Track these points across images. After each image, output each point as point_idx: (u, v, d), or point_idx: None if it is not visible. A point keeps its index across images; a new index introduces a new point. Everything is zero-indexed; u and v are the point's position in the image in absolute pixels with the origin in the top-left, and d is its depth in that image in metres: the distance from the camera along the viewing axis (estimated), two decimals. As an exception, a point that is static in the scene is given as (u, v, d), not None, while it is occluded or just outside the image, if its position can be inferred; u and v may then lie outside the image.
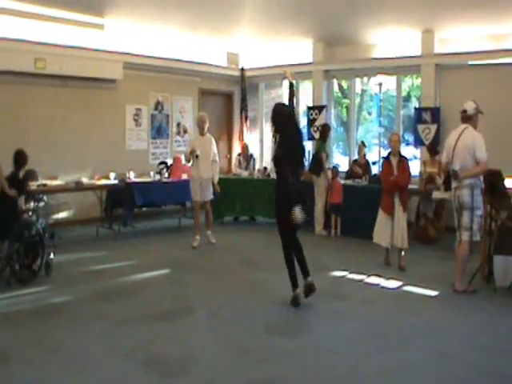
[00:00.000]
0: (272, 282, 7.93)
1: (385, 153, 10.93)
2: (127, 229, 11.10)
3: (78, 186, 10.58)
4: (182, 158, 11.15)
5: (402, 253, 8.66)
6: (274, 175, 7.21)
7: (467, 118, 7.38)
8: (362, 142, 12.41)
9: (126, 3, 11.66)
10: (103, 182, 11.15)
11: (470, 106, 7.38)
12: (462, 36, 11.65)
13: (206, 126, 10.21)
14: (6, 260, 7.52)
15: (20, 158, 8.08)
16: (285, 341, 5.73)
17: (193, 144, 10.23)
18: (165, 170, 11.91)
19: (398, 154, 8.70)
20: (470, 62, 11.46)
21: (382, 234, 8.67)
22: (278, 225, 7.06)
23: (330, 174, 11.22)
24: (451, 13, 11.17)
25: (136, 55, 12.44)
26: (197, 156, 9.92)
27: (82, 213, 11.43)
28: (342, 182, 11.39)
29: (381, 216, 8.70)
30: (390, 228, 8.58)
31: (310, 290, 6.80)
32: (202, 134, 10.22)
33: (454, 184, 7.38)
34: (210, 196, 10.23)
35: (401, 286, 7.70)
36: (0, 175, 7.65)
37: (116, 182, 11.14)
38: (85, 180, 11.08)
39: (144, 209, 11.90)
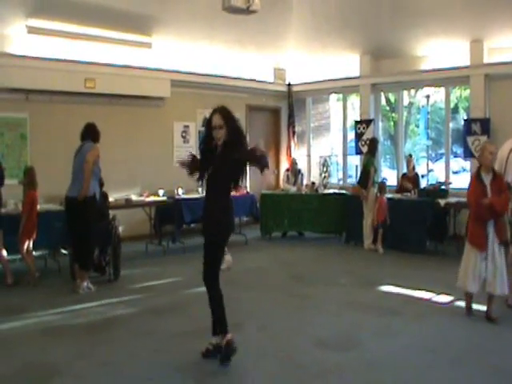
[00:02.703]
0: (321, 296, 7.91)
1: (434, 166, 10.78)
2: (176, 245, 11.18)
3: (128, 203, 10.72)
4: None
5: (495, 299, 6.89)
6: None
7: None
8: (410, 155, 12.30)
9: (173, 22, 11.82)
10: (152, 198, 11.26)
11: None
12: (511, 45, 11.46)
13: None
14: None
15: None
16: (335, 356, 5.69)
17: None
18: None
19: (492, 170, 6.87)
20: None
21: (470, 276, 6.74)
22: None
23: (374, 189, 11.11)
24: (500, 21, 11.03)
25: (183, 73, 12.58)
26: None
27: (131, 229, 11.55)
28: (391, 195, 11.29)
29: (469, 253, 6.84)
30: (483, 268, 6.67)
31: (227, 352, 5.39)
32: None
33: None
34: None
35: (452, 301, 7.57)
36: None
37: (165, 198, 11.24)
38: (134, 197, 11.20)
39: (192, 225, 11.97)
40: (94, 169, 8.09)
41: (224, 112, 5.34)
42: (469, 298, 6.95)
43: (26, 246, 8.49)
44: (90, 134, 8.36)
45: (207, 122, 5.44)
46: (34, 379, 5.16)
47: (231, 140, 5.32)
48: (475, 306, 7.18)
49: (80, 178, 8.00)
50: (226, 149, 5.33)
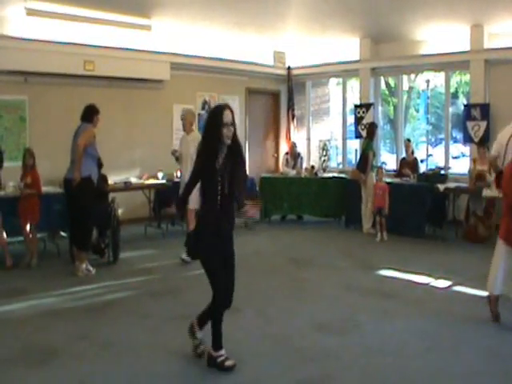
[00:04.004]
0: (320, 280, 7.95)
1: (433, 151, 10.77)
2: (175, 228, 11.20)
3: (127, 186, 10.72)
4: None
5: None
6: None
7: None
8: (408, 140, 12.29)
9: (173, 4, 11.75)
10: (151, 181, 11.27)
11: None
12: (512, 30, 11.43)
13: (189, 122, 9.10)
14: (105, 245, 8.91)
15: None
16: (334, 340, 5.72)
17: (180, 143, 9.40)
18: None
19: None
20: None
21: (500, 277, 6.14)
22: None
23: (373, 174, 11.08)
24: (501, 7, 10.96)
25: (183, 55, 12.53)
26: (176, 158, 9.22)
27: (130, 212, 11.56)
28: (390, 180, 11.28)
29: (502, 252, 6.14)
30: None
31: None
32: (185, 131, 9.21)
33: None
34: (194, 204, 7.92)
35: (450, 286, 7.60)
36: None
37: (164, 181, 11.25)
38: (133, 180, 11.20)
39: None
40: (89, 150, 8.11)
41: (232, 109, 4.93)
42: (494, 301, 6.21)
43: (28, 227, 8.58)
44: (86, 115, 8.37)
45: (215, 119, 4.87)
46: (34, 361, 5.19)
47: (236, 142, 4.93)
48: (474, 291, 7.23)
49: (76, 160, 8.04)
50: (233, 151, 4.94)
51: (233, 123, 4.87)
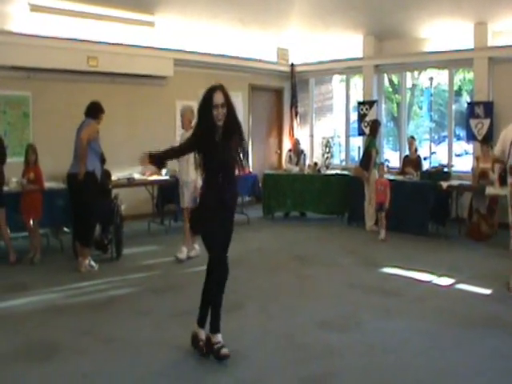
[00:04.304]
0: (323, 277, 7.95)
1: (436, 148, 10.77)
2: (178, 224, 11.18)
3: (130, 182, 10.73)
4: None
5: None
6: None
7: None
8: (412, 137, 12.28)
9: (176, 0, 11.75)
10: (154, 177, 11.26)
11: None
12: (516, 28, 11.39)
13: (187, 119, 8.78)
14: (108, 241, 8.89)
15: None
16: (336, 337, 5.72)
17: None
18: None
19: None
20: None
21: None
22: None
23: (376, 171, 11.03)
24: (505, 4, 10.93)
25: (186, 52, 12.53)
26: None
27: (133, 208, 11.55)
28: (393, 177, 11.27)
29: None
30: None
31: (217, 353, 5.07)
32: (183, 128, 8.89)
33: (510, 179, 7.20)
34: (188, 203, 8.64)
35: (453, 284, 7.59)
36: None
37: (167, 177, 11.24)
38: (136, 176, 11.20)
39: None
40: (92, 145, 8.14)
41: (224, 90, 5.04)
42: None
43: (32, 222, 8.61)
44: (91, 111, 8.41)
45: (205, 101, 5.02)
46: (37, 356, 5.20)
47: (232, 122, 5.04)
48: (477, 289, 7.23)
49: (79, 156, 8.06)
50: (228, 131, 5.02)
51: (224, 104, 4.96)
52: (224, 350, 5.00)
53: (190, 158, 8.15)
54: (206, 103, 5.00)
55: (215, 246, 5.08)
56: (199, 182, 7.92)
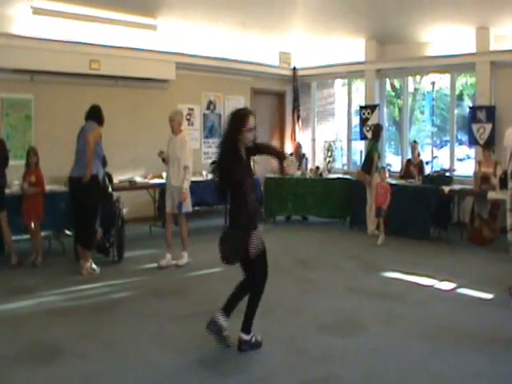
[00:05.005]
0: (324, 281, 7.94)
1: (438, 153, 10.76)
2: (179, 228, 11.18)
3: (132, 185, 10.74)
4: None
5: None
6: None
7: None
8: (415, 141, 12.27)
9: (178, 4, 11.76)
10: (156, 181, 11.26)
11: None
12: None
13: (177, 123, 8.90)
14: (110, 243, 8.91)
15: None
16: (338, 341, 5.71)
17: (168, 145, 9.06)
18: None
19: None
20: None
21: None
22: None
23: (378, 175, 10.98)
24: (507, 9, 10.94)
25: (188, 55, 12.54)
26: (163, 159, 8.94)
27: (135, 211, 11.56)
28: (395, 181, 11.27)
29: None
30: None
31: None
32: (173, 132, 8.93)
33: (510, 184, 7.21)
34: (183, 208, 8.71)
35: (455, 288, 7.58)
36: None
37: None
38: (138, 179, 11.21)
39: (196, 208, 11.97)
40: (95, 148, 8.12)
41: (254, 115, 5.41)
42: None
43: (33, 225, 8.61)
44: (93, 115, 8.41)
45: (238, 122, 5.33)
46: (39, 359, 5.20)
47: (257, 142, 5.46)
48: (478, 294, 7.22)
49: (82, 159, 8.05)
50: (251, 151, 5.48)
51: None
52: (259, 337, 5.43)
53: (182, 162, 8.47)
54: (235, 125, 5.33)
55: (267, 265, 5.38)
56: (185, 188, 8.38)
